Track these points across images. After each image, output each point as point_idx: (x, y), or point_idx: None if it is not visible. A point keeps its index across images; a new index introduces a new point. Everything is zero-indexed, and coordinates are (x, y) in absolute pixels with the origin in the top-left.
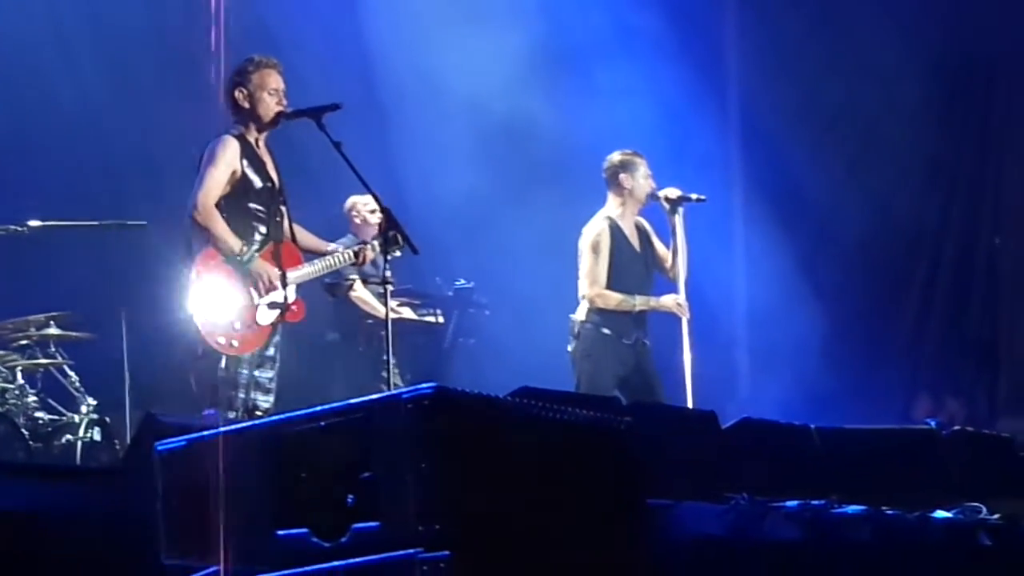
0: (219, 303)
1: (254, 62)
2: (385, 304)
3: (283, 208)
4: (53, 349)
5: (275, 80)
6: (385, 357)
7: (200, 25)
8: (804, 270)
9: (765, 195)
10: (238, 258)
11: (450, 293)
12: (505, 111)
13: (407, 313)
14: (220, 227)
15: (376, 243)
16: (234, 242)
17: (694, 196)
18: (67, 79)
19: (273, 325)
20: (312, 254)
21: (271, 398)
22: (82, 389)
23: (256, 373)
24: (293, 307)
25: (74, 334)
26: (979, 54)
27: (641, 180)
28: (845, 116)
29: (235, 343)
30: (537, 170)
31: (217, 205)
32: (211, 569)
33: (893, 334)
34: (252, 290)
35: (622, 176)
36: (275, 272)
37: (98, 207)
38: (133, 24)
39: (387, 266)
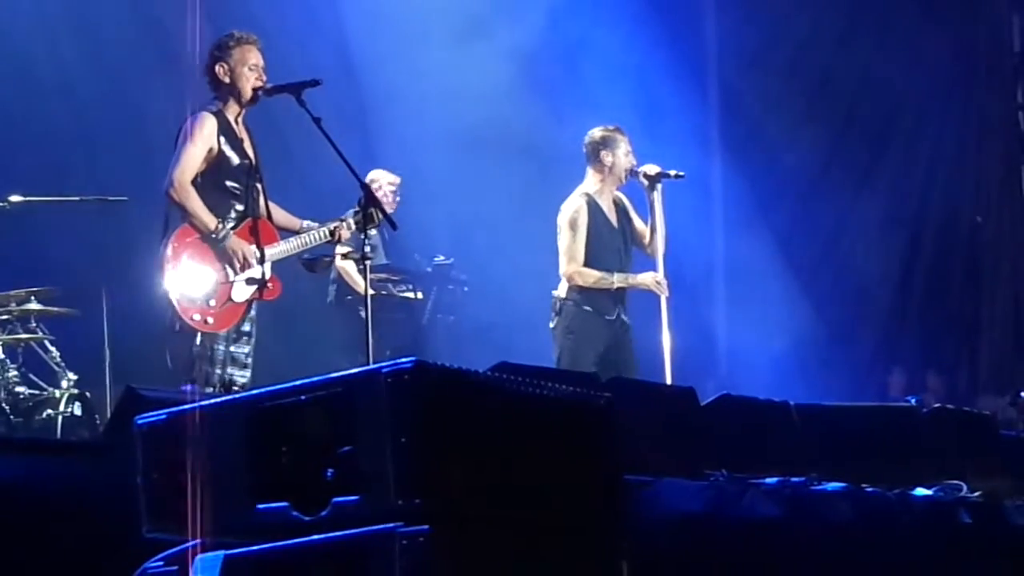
0: (194, 280)
1: (234, 38)
2: (364, 280)
3: (260, 185)
4: (34, 324)
5: (255, 56)
6: (365, 332)
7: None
8: (783, 246)
9: (744, 171)
10: (213, 236)
11: (429, 269)
12: (484, 85)
13: (388, 289)
14: (195, 204)
15: (352, 220)
16: (209, 219)
17: (673, 172)
18: (46, 54)
19: (248, 302)
20: (287, 231)
21: (248, 373)
22: (63, 364)
23: (232, 349)
24: (269, 284)
25: (55, 309)
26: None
27: (621, 157)
28: (827, 91)
29: (210, 320)
30: (516, 143)
31: (193, 182)
32: (192, 542)
33: (873, 310)
34: (227, 267)
35: (603, 152)
36: (250, 249)
37: (79, 182)
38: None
39: (366, 242)
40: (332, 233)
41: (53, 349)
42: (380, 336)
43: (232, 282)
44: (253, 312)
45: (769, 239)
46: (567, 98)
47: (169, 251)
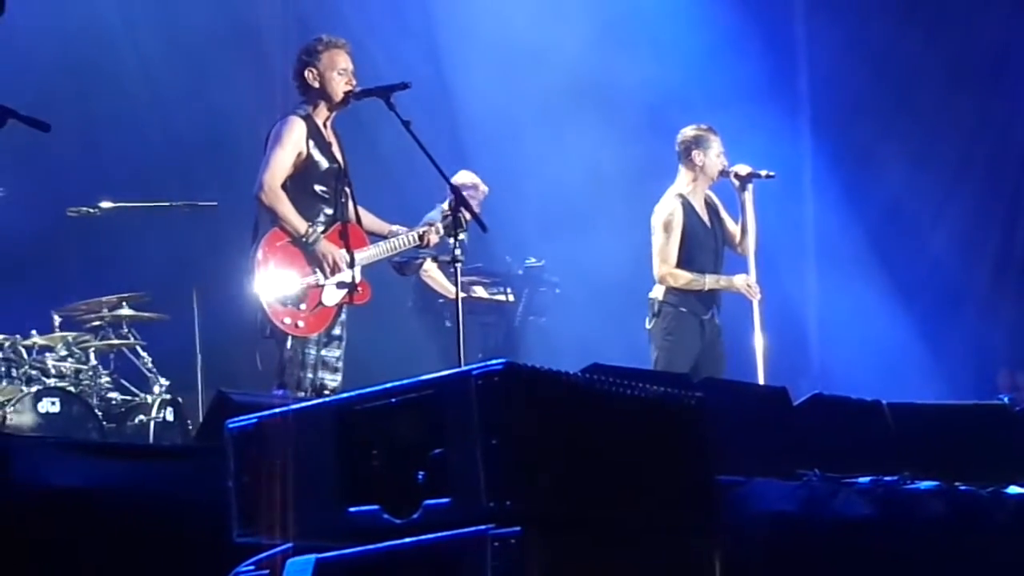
0: (285, 284)
1: (323, 42)
2: (455, 283)
3: (348, 189)
4: (126, 330)
5: (344, 60)
6: (456, 335)
7: (266, 3)
8: (875, 246)
9: (835, 171)
10: (304, 239)
11: (520, 271)
12: (580, 78)
13: (479, 292)
14: (286, 208)
15: (441, 225)
16: (299, 223)
17: (764, 172)
18: (134, 59)
19: (339, 306)
20: (376, 236)
21: (338, 377)
22: (155, 369)
23: (323, 352)
24: (359, 288)
25: (146, 315)
26: None
27: (713, 157)
28: (915, 91)
29: (301, 323)
30: (613, 145)
31: (283, 186)
32: (284, 546)
33: (967, 309)
34: (318, 271)
35: (695, 152)
36: (340, 253)
37: (169, 188)
38: (200, 3)
39: (455, 245)
40: (421, 238)
41: (145, 355)
42: (471, 339)
43: (322, 286)
44: (344, 316)
45: (861, 237)
46: (661, 90)
47: (260, 255)
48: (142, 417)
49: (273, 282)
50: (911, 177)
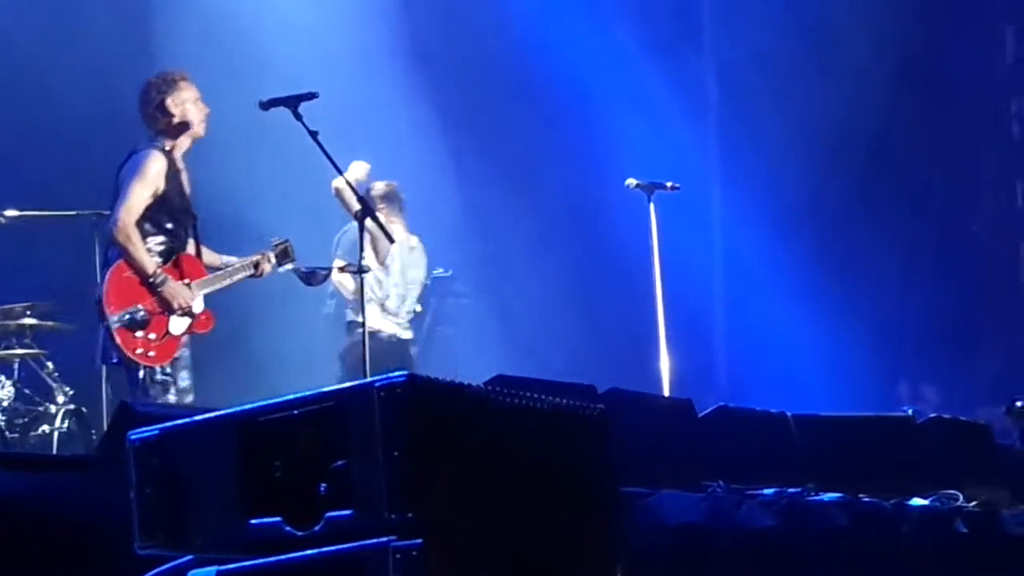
0: (134, 313)
1: (176, 75)
2: (360, 293)
3: (193, 222)
4: (29, 339)
5: (196, 90)
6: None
7: (172, 14)
8: (782, 259)
9: (743, 184)
10: (151, 280)
11: (427, 282)
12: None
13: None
14: (136, 248)
15: (272, 254)
16: (148, 264)
17: (668, 184)
18: (38, 67)
19: (185, 334)
20: (212, 268)
21: (191, 397)
22: (59, 379)
23: (173, 376)
24: (202, 317)
25: (51, 324)
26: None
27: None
28: (821, 105)
29: (152, 353)
30: (519, 162)
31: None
32: (185, 558)
33: (872, 321)
34: (165, 308)
35: None
36: (186, 292)
37: (74, 196)
38: (103, 13)
39: (362, 255)
40: (256, 266)
41: (49, 364)
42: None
43: (169, 316)
44: (187, 339)
45: (767, 251)
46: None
47: (108, 287)
48: (45, 427)
49: (122, 311)
50: (817, 187)
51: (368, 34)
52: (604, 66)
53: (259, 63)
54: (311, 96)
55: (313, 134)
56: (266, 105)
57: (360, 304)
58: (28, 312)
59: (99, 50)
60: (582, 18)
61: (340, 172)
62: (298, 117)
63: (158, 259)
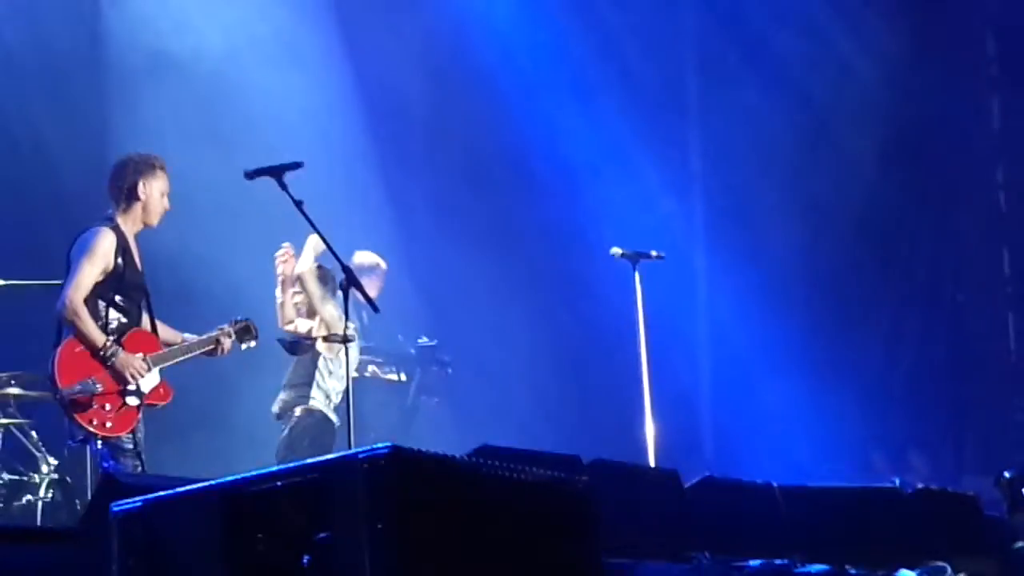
0: (88, 388)
1: (157, 161)
2: (346, 363)
3: (146, 299)
4: (14, 409)
5: (167, 182)
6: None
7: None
8: (768, 327)
9: (728, 252)
10: (102, 353)
11: (412, 351)
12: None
13: (372, 371)
14: (86, 324)
15: (231, 329)
16: (98, 337)
17: (653, 253)
18: (27, 140)
19: (140, 406)
20: (167, 343)
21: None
22: (43, 449)
23: (137, 440)
24: (160, 389)
25: (35, 394)
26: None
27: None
28: (807, 175)
29: (109, 424)
30: (505, 230)
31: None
32: None
33: (859, 390)
34: (119, 380)
35: None
36: (139, 362)
37: (60, 267)
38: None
39: (347, 325)
40: (217, 342)
41: (33, 433)
42: (364, 419)
43: (123, 387)
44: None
45: (754, 320)
46: (549, 196)
47: (59, 362)
48: (29, 497)
49: (72, 385)
50: (802, 256)
51: (353, 103)
52: (589, 136)
53: (243, 130)
54: (296, 166)
55: (298, 204)
56: (251, 175)
57: (347, 376)
58: (12, 381)
59: (87, 122)
60: (568, 88)
61: (326, 242)
62: (283, 187)
63: (112, 335)
